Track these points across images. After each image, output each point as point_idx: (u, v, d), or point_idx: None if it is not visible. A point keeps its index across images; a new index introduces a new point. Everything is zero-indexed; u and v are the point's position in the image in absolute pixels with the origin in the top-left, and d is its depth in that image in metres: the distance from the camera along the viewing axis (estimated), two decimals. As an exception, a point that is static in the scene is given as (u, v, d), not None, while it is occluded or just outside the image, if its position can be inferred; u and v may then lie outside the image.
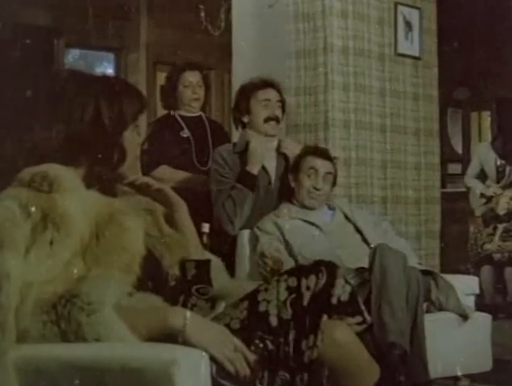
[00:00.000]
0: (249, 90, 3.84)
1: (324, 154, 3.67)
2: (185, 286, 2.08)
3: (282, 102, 3.87)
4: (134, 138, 2.09)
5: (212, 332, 1.83)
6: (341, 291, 1.94)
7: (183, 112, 4.32)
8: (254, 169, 3.71)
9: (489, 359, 3.48)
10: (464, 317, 3.39)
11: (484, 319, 3.53)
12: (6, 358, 1.77)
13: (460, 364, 3.43)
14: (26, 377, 1.79)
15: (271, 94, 3.83)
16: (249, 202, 3.67)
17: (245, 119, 3.84)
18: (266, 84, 3.84)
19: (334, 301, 1.93)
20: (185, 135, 4.26)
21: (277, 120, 3.82)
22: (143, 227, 2.05)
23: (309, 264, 1.98)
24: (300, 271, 1.96)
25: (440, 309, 3.38)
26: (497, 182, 5.73)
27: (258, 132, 3.81)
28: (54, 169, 1.95)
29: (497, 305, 5.50)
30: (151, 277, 2.00)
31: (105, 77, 2.21)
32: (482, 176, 5.81)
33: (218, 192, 3.72)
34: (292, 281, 1.91)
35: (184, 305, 2.03)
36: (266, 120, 3.79)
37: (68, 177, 1.96)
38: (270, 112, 3.80)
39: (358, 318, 2.03)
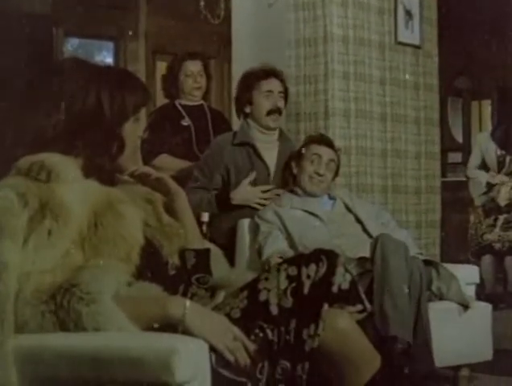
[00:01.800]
0: (251, 80, 3.79)
1: (328, 143, 3.69)
2: (185, 275, 2.08)
3: (285, 92, 3.84)
4: (134, 130, 2.08)
5: (212, 321, 1.82)
6: (342, 279, 1.93)
7: (184, 101, 4.32)
8: (235, 201, 3.67)
9: (489, 348, 3.47)
10: (465, 306, 3.38)
11: (484, 309, 3.53)
12: (5, 348, 1.77)
13: (461, 354, 3.43)
14: (26, 367, 1.79)
15: (274, 85, 3.78)
16: (212, 212, 3.62)
17: (247, 109, 3.80)
18: (269, 73, 3.80)
19: (335, 289, 1.92)
20: (186, 124, 4.26)
21: (279, 112, 3.79)
22: (142, 216, 2.04)
23: (309, 252, 1.97)
24: (300, 260, 1.95)
25: (441, 298, 3.38)
26: (498, 171, 5.71)
27: (260, 124, 3.78)
28: (52, 158, 1.94)
29: (498, 294, 5.50)
30: (151, 267, 2.00)
31: (109, 67, 2.20)
32: (483, 166, 5.79)
33: (194, 178, 3.70)
34: (292, 270, 1.91)
35: (184, 295, 2.02)
36: (269, 112, 3.76)
37: (67, 166, 1.94)
38: (272, 103, 3.76)
39: (359, 307, 2.02)
